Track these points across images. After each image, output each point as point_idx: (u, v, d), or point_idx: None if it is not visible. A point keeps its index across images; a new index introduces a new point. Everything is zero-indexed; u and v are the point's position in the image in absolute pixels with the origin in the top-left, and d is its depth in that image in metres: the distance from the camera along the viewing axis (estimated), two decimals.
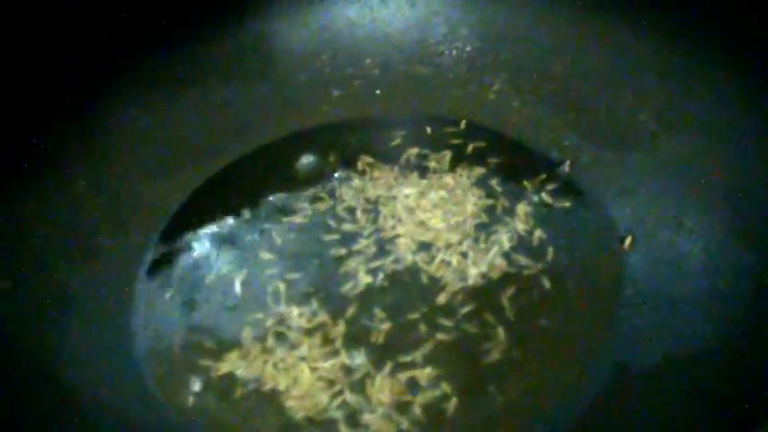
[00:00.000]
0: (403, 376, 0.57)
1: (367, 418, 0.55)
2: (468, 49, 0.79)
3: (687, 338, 0.55)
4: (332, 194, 0.70)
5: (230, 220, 0.69)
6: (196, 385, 0.58)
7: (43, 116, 0.67)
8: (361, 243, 0.66)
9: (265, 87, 0.78)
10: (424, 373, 0.57)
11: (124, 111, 0.73)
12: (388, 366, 0.57)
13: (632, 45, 0.71)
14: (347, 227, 0.67)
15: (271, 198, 0.71)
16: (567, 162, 0.70)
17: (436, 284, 0.62)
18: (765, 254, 0.57)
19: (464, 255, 0.64)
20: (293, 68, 0.79)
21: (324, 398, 0.56)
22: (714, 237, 0.60)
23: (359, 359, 0.58)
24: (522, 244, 0.64)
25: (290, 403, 0.56)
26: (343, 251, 0.65)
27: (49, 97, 0.67)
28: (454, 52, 0.79)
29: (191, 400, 0.57)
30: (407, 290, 0.62)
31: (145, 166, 0.72)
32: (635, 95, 0.70)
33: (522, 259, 0.63)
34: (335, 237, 0.67)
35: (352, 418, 0.55)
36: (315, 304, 0.62)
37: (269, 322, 0.61)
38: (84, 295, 0.63)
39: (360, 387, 0.56)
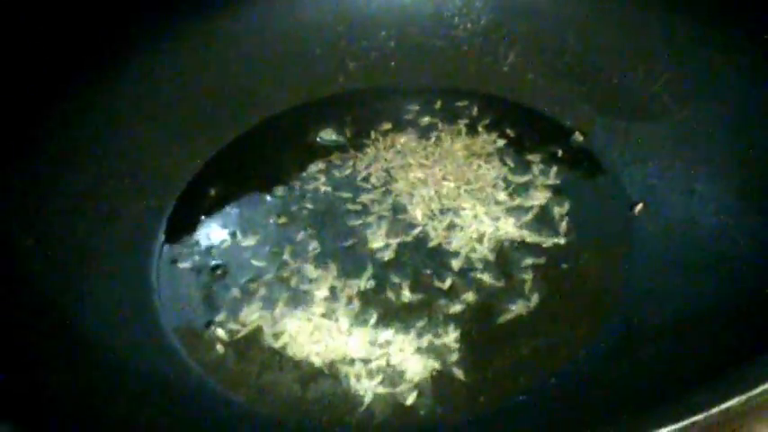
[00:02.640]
0: (419, 334, 0.58)
1: (382, 368, 0.56)
2: (483, 21, 0.79)
3: (695, 299, 0.56)
4: (347, 163, 0.71)
5: (246, 188, 0.71)
6: (215, 339, 0.59)
7: (65, 82, 0.68)
8: (377, 211, 0.67)
9: (282, 58, 0.79)
10: (439, 332, 0.58)
11: (144, 79, 0.74)
12: (405, 325, 0.58)
13: (645, 16, 0.72)
14: (363, 196, 0.68)
15: (286, 166, 0.72)
16: (580, 131, 0.71)
17: (451, 251, 0.63)
18: None
19: (478, 222, 0.65)
20: (310, 40, 0.80)
21: (342, 352, 0.57)
22: (724, 202, 0.61)
23: (375, 318, 0.59)
24: (535, 211, 0.65)
25: (306, 356, 0.57)
26: (359, 219, 0.66)
27: (70, 64, 0.69)
28: (469, 25, 0.80)
29: (211, 354, 0.59)
30: (422, 255, 0.63)
31: (162, 133, 0.73)
32: (647, 66, 0.71)
33: (536, 225, 0.64)
34: (351, 205, 0.68)
35: (370, 369, 0.56)
36: (332, 268, 0.63)
37: (286, 282, 0.62)
38: (106, 255, 0.64)
39: (377, 343, 0.58)
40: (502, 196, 0.66)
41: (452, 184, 0.68)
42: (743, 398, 0.37)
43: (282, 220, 0.67)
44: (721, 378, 0.41)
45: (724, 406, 0.36)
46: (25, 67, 0.66)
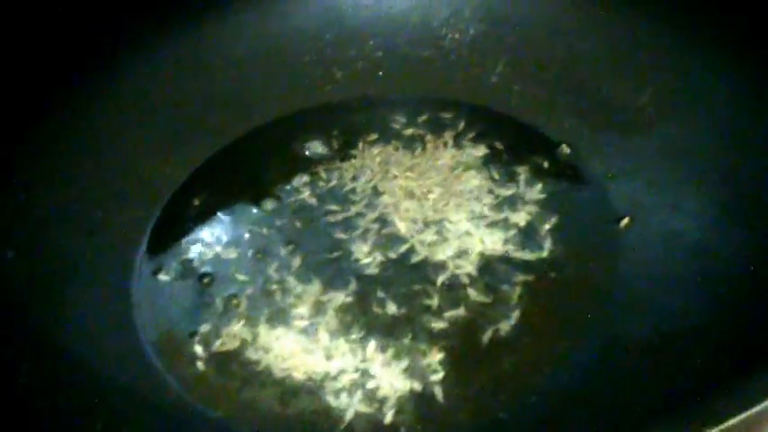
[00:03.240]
0: (402, 351, 0.57)
1: (363, 385, 0.55)
2: (471, 32, 0.79)
3: (679, 315, 0.56)
4: (333, 175, 0.71)
5: (231, 198, 0.70)
6: (195, 354, 0.59)
7: (46, 89, 0.68)
8: (362, 224, 0.66)
9: (268, 67, 0.79)
10: (422, 349, 0.57)
11: (128, 86, 0.74)
12: (388, 341, 0.58)
13: (633, 29, 0.72)
14: (348, 208, 0.68)
15: (272, 177, 0.72)
16: (567, 144, 0.71)
17: (436, 266, 0.62)
18: (760, 235, 0.57)
19: (464, 236, 0.64)
20: (296, 48, 0.80)
21: (324, 369, 0.57)
22: (710, 218, 0.61)
23: (358, 334, 0.58)
24: (520, 225, 0.65)
25: (288, 372, 0.57)
26: (344, 232, 0.66)
27: (53, 72, 0.68)
28: (457, 35, 0.79)
29: (190, 369, 0.58)
30: (408, 270, 0.63)
31: (147, 142, 0.73)
32: (635, 79, 0.71)
33: (521, 239, 0.64)
34: (337, 217, 0.67)
35: (352, 386, 0.56)
36: (316, 282, 0.62)
37: (269, 296, 0.62)
38: (87, 266, 0.64)
39: (360, 359, 0.57)
40: (487, 210, 0.66)
41: (438, 197, 0.67)
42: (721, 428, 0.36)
43: (267, 232, 0.67)
44: (699, 405, 0.40)
45: None
46: (7, 74, 0.66)
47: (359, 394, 0.55)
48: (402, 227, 0.65)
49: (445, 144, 0.72)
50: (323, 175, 0.71)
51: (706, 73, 0.67)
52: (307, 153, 0.73)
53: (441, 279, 0.61)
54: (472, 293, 0.60)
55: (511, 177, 0.69)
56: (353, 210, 0.67)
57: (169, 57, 0.76)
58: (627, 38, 0.72)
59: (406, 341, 0.58)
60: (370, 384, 0.55)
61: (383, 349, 0.57)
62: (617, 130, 0.70)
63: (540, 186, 0.68)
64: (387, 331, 0.58)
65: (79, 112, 0.70)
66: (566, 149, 0.71)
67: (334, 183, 0.70)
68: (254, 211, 0.69)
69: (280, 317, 0.60)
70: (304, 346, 0.58)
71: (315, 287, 0.62)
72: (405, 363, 0.56)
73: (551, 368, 0.55)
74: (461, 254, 0.63)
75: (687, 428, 0.39)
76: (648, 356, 0.54)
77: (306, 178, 0.71)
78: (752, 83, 0.63)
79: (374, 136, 0.74)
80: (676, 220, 0.62)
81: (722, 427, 0.37)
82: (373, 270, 0.63)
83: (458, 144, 0.72)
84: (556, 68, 0.76)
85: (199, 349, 0.59)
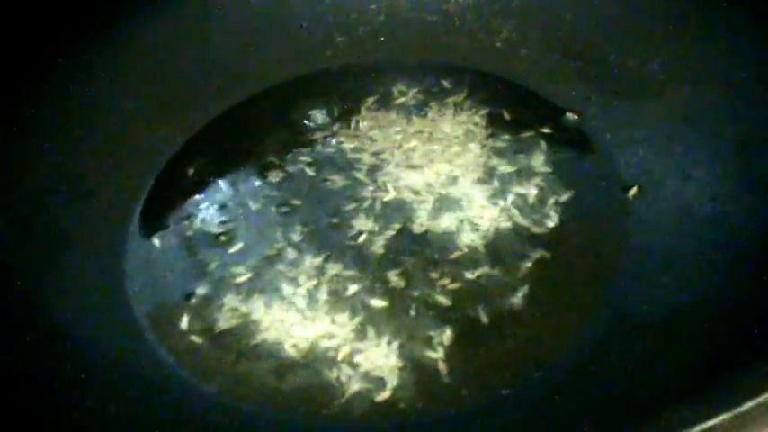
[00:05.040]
0: (404, 326, 0.56)
1: (363, 360, 0.54)
2: None
3: (689, 289, 0.54)
4: (333, 143, 0.69)
5: (227, 166, 0.68)
6: (190, 328, 0.57)
7: (38, 55, 0.66)
8: (364, 195, 0.64)
9: (266, 31, 0.77)
10: (425, 324, 0.55)
11: (122, 52, 0.72)
12: (390, 315, 0.56)
13: None
14: (349, 178, 0.66)
15: (270, 144, 0.70)
16: (574, 111, 0.68)
17: (439, 238, 0.61)
18: None
19: (468, 207, 0.62)
20: (297, 13, 0.78)
21: (322, 343, 0.55)
22: (722, 187, 0.58)
23: (358, 308, 0.57)
24: (527, 193, 0.63)
25: (284, 346, 0.55)
26: (345, 202, 0.64)
27: (46, 39, 0.66)
28: None
29: (184, 342, 0.56)
30: (410, 243, 0.61)
31: (142, 109, 0.71)
32: (645, 44, 0.69)
33: (527, 209, 0.62)
34: (337, 187, 0.65)
35: (350, 361, 0.54)
36: (315, 254, 0.60)
37: (265, 268, 0.60)
38: (79, 236, 0.62)
39: (359, 333, 0.55)
40: (493, 180, 0.64)
41: (442, 167, 0.65)
42: (728, 416, 0.34)
43: (264, 201, 0.65)
44: (710, 388, 0.38)
45: (708, 424, 0.34)
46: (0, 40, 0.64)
47: (358, 369, 0.53)
48: (404, 197, 0.64)
49: (448, 111, 0.70)
50: (322, 142, 0.69)
51: (718, 38, 0.65)
52: (306, 120, 0.71)
53: (444, 252, 0.60)
54: (477, 267, 0.58)
55: (517, 146, 0.67)
56: (354, 179, 0.66)
57: (164, 22, 0.74)
58: (637, 2, 0.70)
59: (409, 315, 0.56)
60: (370, 359, 0.54)
61: (384, 323, 0.56)
62: (626, 97, 0.68)
63: (546, 155, 0.66)
64: (388, 305, 0.57)
65: (72, 78, 0.69)
66: (573, 117, 0.69)
67: (333, 151, 0.68)
68: (252, 179, 0.67)
69: (276, 289, 0.58)
70: (301, 319, 0.56)
71: (313, 258, 0.60)
72: (406, 337, 0.55)
73: (558, 343, 0.53)
74: (466, 226, 0.61)
75: (698, 411, 0.37)
76: (658, 332, 0.52)
77: (305, 146, 0.69)
78: (766, 50, 0.61)
79: (375, 103, 0.72)
80: (687, 190, 0.60)
81: (735, 412, 0.35)
82: (374, 242, 0.61)
83: (461, 111, 0.70)
84: (563, 34, 0.74)
85: (193, 322, 0.57)
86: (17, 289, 0.57)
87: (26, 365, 0.53)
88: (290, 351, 0.55)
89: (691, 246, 0.57)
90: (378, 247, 0.60)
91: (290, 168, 0.67)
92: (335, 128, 0.70)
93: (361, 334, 0.55)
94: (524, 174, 0.64)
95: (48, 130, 0.66)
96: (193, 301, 0.59)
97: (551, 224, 0.60)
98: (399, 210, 0.63)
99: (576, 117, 0.68)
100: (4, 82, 0.64)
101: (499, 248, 0.59)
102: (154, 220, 0.64)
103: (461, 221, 0.61)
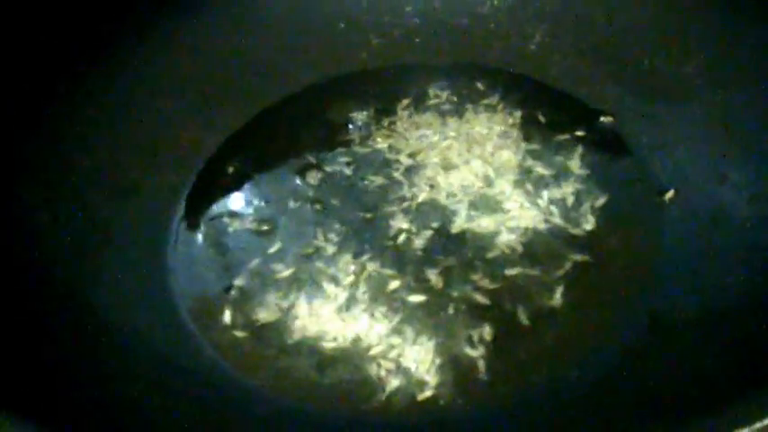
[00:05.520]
0: (443, 324, 0.56)
1: (402, 357, 0.55)
2: None
3: (725, 292, 0.54)
4: (369, 143, 0.70)
5: (266, 165, 0.69)
6: (231, 321, 0.58)
7: (82, 53, 0.67)
8: (401, 193, 0.65)
9: (304, 33, 0.77)
10: (463, 322, 0.56)
11: (163, 52, 0.72)
12: (429, 314, 0.57)
13: None
14: (386, 176, 0.67)
15: (307, 144, 0.70)
16: (609, 114, 0.69)
17: (477, 238, 0.61)
18: None
19: (505, 209, 0.63)
20: (333, 14, 0.78)
21: (362, 339, 0.56)
22: (759, 189, 0.59)
23: (397, 305, 0.58)
24: (563, 195, 0.63)
25: (325, 342, 0.56)
26: (382, 201, 0.65)
27: (90, 39, 0.67)
28: (495, 2, 0.78)
29: (226, 336, 0.57)
30: (448, 243, 0.61)
31: (183, 109, 0.72)
32: (680, 47, 0.69)
33: (563, 211, 0.62)
34: (374, 187, 0.66)
35: (390, 357, 0.55)
36: (355, 253, 0.61)
37: (306, 266, 0.61)
38: (122, 231, 0.63)
39: (399, 331, 0.56)
40: (529, 182, 0.65)
41: (478, 168, 0.66)
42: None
43: (302, 200, 0.66)
44: (749, 394, 0.39)
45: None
46: (46, 39, 0.65)
47: (397, 366, 0.54)
48: (441, 197, 0.64)
49: (483, 113, 0.71)
50: (359, 142, 0.70)
51: (754, 41, 0.64)
52: (342, 120, 0.72)
53: (482, 252, 0.60)
54: (515, 267, 0.59)
55: (552, 148, 0.67)
56: (391, 179, 0.66)
57: (205, 23, 0.75)
58: (672, 3, 0.70)
59: (448, 314, 0.57)
60: (409, 356, 0.55)
61: (423, 321, 0.56)
62: (661, 100, 0.68)
63: (581, 158, 0.66)
64: (427, 304, 0.58)
65: (115, 77, 0.69)
66: (607, 119, 0.69)
67: (370, 151, 0.69)
68: (290, 177, 0.68)
69: (316, 285, 0.59)
70: (342, 316, 0.57)
71: (352, 257, 0.61)
72: (445, 335, 0.56)
73: (595, 343, 0.54)
74: (503, 227, 0.62)
75: (737, 416, 0.38)
76: (695, 335, 0.52)
77: (342, 146, 0.70)
78: None
79: (411, 104, 0.73)
80: (724, 193, 0.60)
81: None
82: (412, 241, 0.62)
83: (496, 113, 0.71)
84: (597, 36, 0.74)
85: (234, 316, 0.58)
86: (61, 284, 0.58)
87: (71, 359, 0.54)
88: (329, 346, 0.56)
89: (728, 249, 0.57)
90: (416, 246, 0.61)
91: (328, 168, 0.68)
92: (372, 128, 0.71)
93: (400, 331, 0.56)
94: (560, 176, 0.65)
95: (91, 128, 0.67)
96: (235, 295, 0.60)
97: (588, 226, 0.61)
98: (436, 210, 0.64)
99: (611, 120, 0.69)
100: (50, 81, 0.64)
101: (536, 249, 0.60)
102: (195, 217, 0.65)
103: (498, 222, 0.62)
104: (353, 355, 0.55)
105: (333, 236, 0.62)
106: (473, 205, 0.63)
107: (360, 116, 0.72)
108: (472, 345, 0.55)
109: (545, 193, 0.63)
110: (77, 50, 0.66)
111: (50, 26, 0.65)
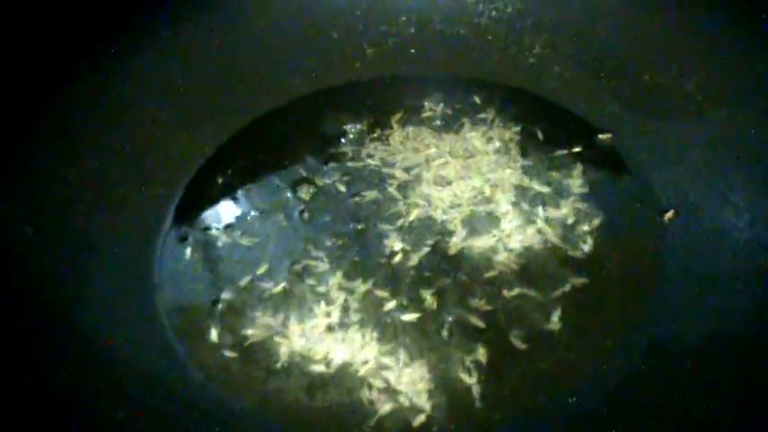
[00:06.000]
0: (436, 347, 0.55)
1: (394, 380, 0.53)
2: (509, 10, 0.76)
3: (727, 317, 0.53)
4: (362, 157, 0.68)
5: (257, 177, 0.68)
6: (218, 340, 0.57)
7: (68, 62, 0.65)
8: (395, 209, 0.64)
9: (296, 42, 0.76)
10: (458, 345, 0.55)
11: (152, 61, 0.71)
12: (422, 336, 0.55)
13: (681, 10, 0.68)
14: (379, 191, 0.65)
15: (298, 155, 0.69)
16: (608, 130, 0.68)
17: (472, 257, 0.60)
18: None
19: (500, 227, 0.61)
20: (326, 23, 0.77)
21: (353, 362, 0.54)
22: (761, 212, 0.58)
23: (390, 327, 0.56)
24: (561, 214, 0.62)
25: (315, 364, 0.54)
26: (375, 217, 0.63)
27: (76, 48, 0.66)
28: (494, 13, 0.76)
29: (214, 356, 0.56)
30: (442, 262, 0.60)
31: (172, 119, 0.70)
32: (681, 63, 0.68)
33: (560, 231, 0.61)
34: (367, 202, 0.65)
35: (382, 381, 0.53)
36: (346, 271, 0.60)
37: (296, 283, 0.59)
38: (107, 245, 0.61)
39: (391, 354, 0.55)
40: (526, 201, 0.63)
41: (474, 184, 0.65)
42: None
43: (293, 214, 0.64)
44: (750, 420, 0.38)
45: None
46: (28, 49, 0.63)
47: (389, 390, 0.53)
48: (437, 214, 0.63)
49: (480, 127, 0.70)
50: (352, 156, 0.68)
51: (757, 59, 0.64)
52: (334, 132, 0.71)
53: (478, 272, 0.59)
54: (511, 288, 0.58)
55: (550, 165, 0.66)
56: (385, 194, 0.65)
57: (195, 32, 0.73)
58: (673, 19, 0.69)
59: (442, 336, 0.55)
60: (402, 380, 0.53)
61: (416, 344, 0.55)
62: (661, 117, 0.67)
63: (579, 175, 0.65)
64: (421, 325, 0.56)
65: (102, 87, 0.68)
66: (606, 136, 0.68)
67: (363, 165, 0.68)
68: (281, 191, 0.66)
69: (306, 304, 0.58)
70: (333, 336, 0.56)
71: (344, 275, 0.59)
72: (439, 359, 0.54)
73: (592, 369, 0.53)
74: (499, 246, 0.60)
75: None
76: (695, 360, 0.51)
77: (334, 159, 0.68)
78: None
79: (405, 116, 0.71)
80: (725, 214, 0.59)
81: None
82: (407, 259, 0.60)
83: (493, 128, 0.70)
84: (596, 50, 0.73)
85: (222, 335, 0.57)
86: (44, 300, 0.57)
87: (54, 377, 0.52)
88: (320, 368, 0.54)
89: (728, 271, 0.56)
90: (410, 265, 0.60)
91: (320, 182, 0.66)
92: (365, 141, 0.69)
93: (392, 354, 0.55)
94: (558, 194, 0.64)
95: (77, 138, 0.65)
96: (223, 313, 0.58)
97: (586, 247, 0.60)
98: (432, 227, 0.62)
99: (610, 136, 0.67)
100: (33, 89, 0.63)
101: (533, 270, 0.59)
102: (183, 230, 0.64)
103: (495, 241, 0.60)
104: (344, 378, 0.54)
105: (324, 253, 0.61)
106: (469, 223, 0.62)
107: (353, 129, 0.71)
108: (467, 369, 0.53)
109: (542, 212, 0.62)
110: (63, 60, 0.65)
111: (36, 36, 0.63)
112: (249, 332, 0.57)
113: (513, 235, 0.61)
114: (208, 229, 0.64)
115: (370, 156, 0.68)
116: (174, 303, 0.59)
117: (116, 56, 0.68)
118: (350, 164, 0.68)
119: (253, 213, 0.65)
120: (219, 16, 0.74)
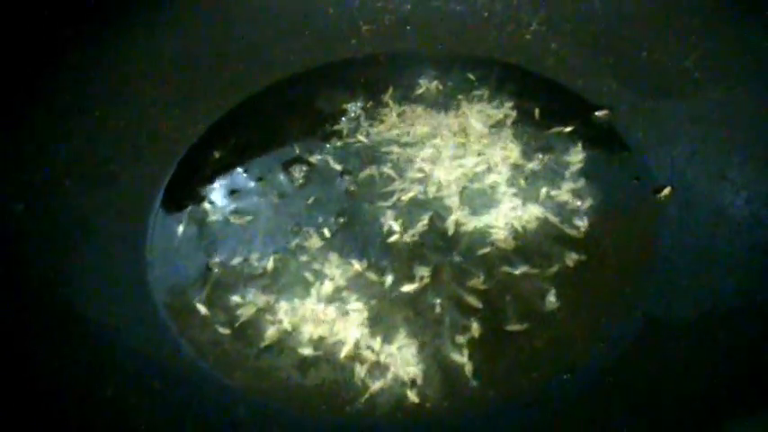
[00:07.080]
0: (430, 324, 0.54)
1: (387, 358, 0.53)
2: None
3: (723, 294, 0.53)
4: (357, 135, 0.67)
5: (249, 155, 0.67)
6: (211, 319, 0.56)
7: (61, 43, 0.64)
8: (390, 187, 0.63)
9: (290, 19, 0.75)
10: (451, 323, 0.54)
11: (145, 39, 0.70)
12: (415, 314, 0.55)
13: None
14: (374, 169, 0.65)
15: (292, 133, 0.68)
16: (605, 107, 0.67)
17: (467, 235, 0.59)
18: None
19: (497, 205, 0.61)
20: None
21: (346, 339, 0.54)
22: (758, 189, 0.57)
23: (384, 305, 0.56)
24: (556, 192, 0.61)
25: (308, 341, 0.54)
26: (370, 195, 0.63)
27: (68, 26, 0.65)
28: None
29: (205, 334, 0.55)
30: (438, 240, 0.59)
31: (165, 96, 0.70)
32: (679, 40, 0.67)
33: (556, 208, 0.60)
34: (362, 180, 0.64)
35: (375, 358, 0.53)
36: (340, 249, 0.59)
37: (288, 261, 0.59)
38: (99, 222, 0.61)
39: (384, 331, 0.54)
40: (523, 179, 0.63)
41: (470, 162, 0.64)
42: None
43: (286, 192, 0.64)
44: (745, 397, 0.37)
45: None
46: (20, 25, 0.62)
47: (383, 367, 0.52)
48: (432, 192, 0.62)
49: (476, 105, 0.69)
50: (347, 133, 0.68)
51: (756, 36, 0.63)
52: (329, 110, 0.70)
53: (473, 249, 0.58)
54: (506, 266, 0.57)
55: (546, 142, 0.65)
56: (380, 172, 0.64)
57: (188, 7, 0.72)
58: None
59: (435, 314, 0.55)
60: (396, 358, 0.53)
61: (410, 322, 0.54)
62: (659, 95, 0.66)
63: (576, 153, 0.64)
64: (414, 303, 0.56)
65: (94, 64, 0.67)
66: (603, 113, 0.67)
67: (357, 143, 0.67)
68: (274, 169, 0.66)
69: (299, 281, 0.57)
70: (326, 315, 0.55)
71: (338, 253, 0.59)
72: (433, 336, 0.54)
73: (587, 346, 0.52)
74: (495, 223, 0.60)
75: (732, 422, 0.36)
76: (691, 336, 0.51)
77: (329, 136, 0.68)
78: None
79: (401, 94, 0.71)
80: (722, 192, 0.59)
81: None
82: (401, 238, 0.60)
83: (489, 105, 0.69)
84: (594, 27, 0.72)
85: (214, 312, 0.56)
86: (35, 277, 0.56)
87: (46, 354, 0.52)
88: (312, 345, 0.54)
89: (724, 249, 0.56)
90: (405, 242, 0.59)
91: (314, 159, 0.66)
92: (360, 119, 0.69)
93: (385, 332, 0.54)
94: (554, 172, 0.63)
95: (68, 115, 0.65)
96: (215, 290, 0.58)
97: (582, 224, 0.59)
98: (427, 205, 0.62)
99: (607, 114, 0.67)
100: (26, 67, 0.62)
101: (529, 247, 0.58)
102: (174, 208, 0.63)
103: (491, 219, 0.60)
104: (336, 355, 0.53)
105: (318, 231, 0.60)
106: (464, 201, 0.61)
107: (348, 106, 0.70)
108: (461, 346, 0.53)
109: (539, 190, 0.61)
110: (55, 37, 0.64)
111: (28, 13, 0.63)
112: (241, 310, 0.56)
113: (508, 213, 0.60)
114: (200, 206, 0.63)
115: (365, 133, 0.67)
116: (166, 280, 0.59)
117: (109, 32, 0.68)
118: (344, 141, 0.67)
119: (246, 191, 0.64)
120: None
